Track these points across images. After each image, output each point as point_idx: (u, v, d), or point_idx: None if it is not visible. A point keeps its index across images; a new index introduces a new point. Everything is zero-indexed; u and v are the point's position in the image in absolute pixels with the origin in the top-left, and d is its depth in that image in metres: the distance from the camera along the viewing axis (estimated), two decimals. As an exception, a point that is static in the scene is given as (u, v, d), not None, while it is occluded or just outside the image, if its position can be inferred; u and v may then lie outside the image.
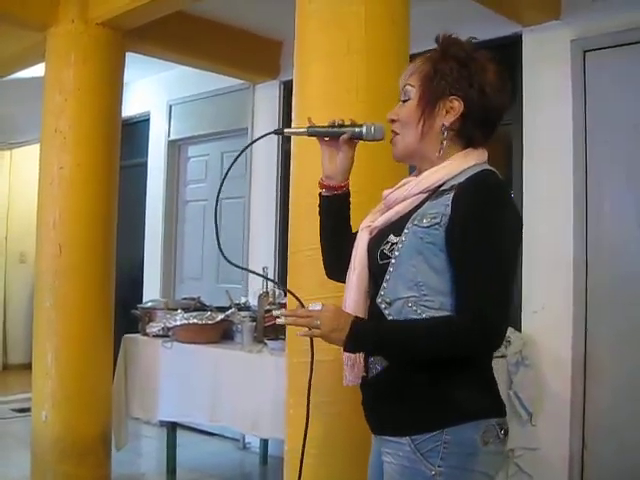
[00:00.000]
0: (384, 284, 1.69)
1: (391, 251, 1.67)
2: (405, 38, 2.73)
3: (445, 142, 1.72)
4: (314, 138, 1.88)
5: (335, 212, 1.94)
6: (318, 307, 1.65)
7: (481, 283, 1.57)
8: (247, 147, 1.89)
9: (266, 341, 3.80)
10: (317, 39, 2.65)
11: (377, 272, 1.73)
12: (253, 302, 4.31)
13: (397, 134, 1.78)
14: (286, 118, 5.03)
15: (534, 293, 3.91)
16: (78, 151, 3.96)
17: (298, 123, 2.66)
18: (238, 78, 5.50)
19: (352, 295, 1.78)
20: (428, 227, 1.62)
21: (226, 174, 1.85)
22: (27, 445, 4.09)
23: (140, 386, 4.20)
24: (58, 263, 3.92)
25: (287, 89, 5.09)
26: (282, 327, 3.42)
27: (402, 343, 1.63)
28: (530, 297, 3.92)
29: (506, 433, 1.67)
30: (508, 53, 4.12)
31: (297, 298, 1.78)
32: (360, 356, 1.78)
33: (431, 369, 1.63)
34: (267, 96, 5.42)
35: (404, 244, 1.65)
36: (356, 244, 1.82)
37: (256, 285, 4.48)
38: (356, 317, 1.66)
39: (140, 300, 5.26)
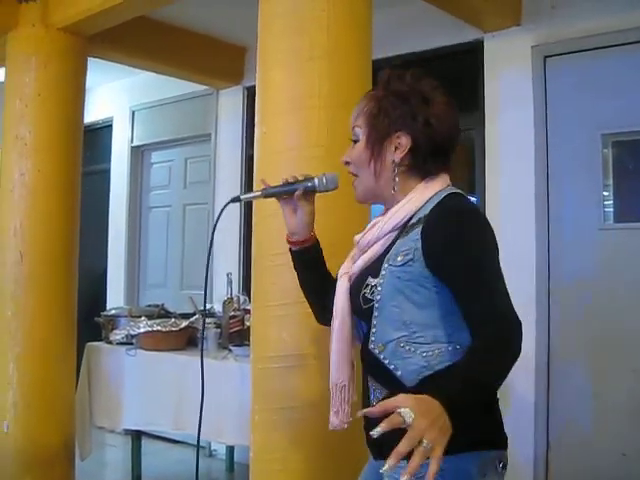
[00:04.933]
0: (372, 329, 1.65)
1: (372, 294, 1.64)
2: (367, 43, 2.74)
3: (397, 178, 1.70)
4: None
5: (309, 263, 1.92)
6: (409, 418, 1.25)
7: (488, 298, 1.54)
8: (218, 217, 1.81)
9: (231, 347, 3.78)
10: (279, 44, 2.64)
11: (363, 317, 1.70)
12: (218, 308, 4.29)
13: (356, 176, 1.76)
14: (250, 124, 5.03)
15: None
16: (39, 157, 3.90)
17: (260, 129, 2.65)
18: (201, 84, 5.48)
19: (336, 344, 1.76)
20: (403, 265, 1.60)
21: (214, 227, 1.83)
22: (-12, 457, 4.02)
23: (104, 395, 4.15)
24: (19, 271, 3.85)
25: (251, 94, 5.09)
26: (247, 333, 3.42)
27: (470, 380, 1.41)
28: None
29: (504, 467, 1.65)
30: (469, 59, 4.18)
31: None
32: (345, 402, 1.78)
33: None
34: (231, 102, 5.42)
35: (383, 286, 1.62)
36: (336, 291, 1.79)
37: (220, 291, 4.46)
38: (432, 393, 1.33)
39: (104, 308, 5.20)
